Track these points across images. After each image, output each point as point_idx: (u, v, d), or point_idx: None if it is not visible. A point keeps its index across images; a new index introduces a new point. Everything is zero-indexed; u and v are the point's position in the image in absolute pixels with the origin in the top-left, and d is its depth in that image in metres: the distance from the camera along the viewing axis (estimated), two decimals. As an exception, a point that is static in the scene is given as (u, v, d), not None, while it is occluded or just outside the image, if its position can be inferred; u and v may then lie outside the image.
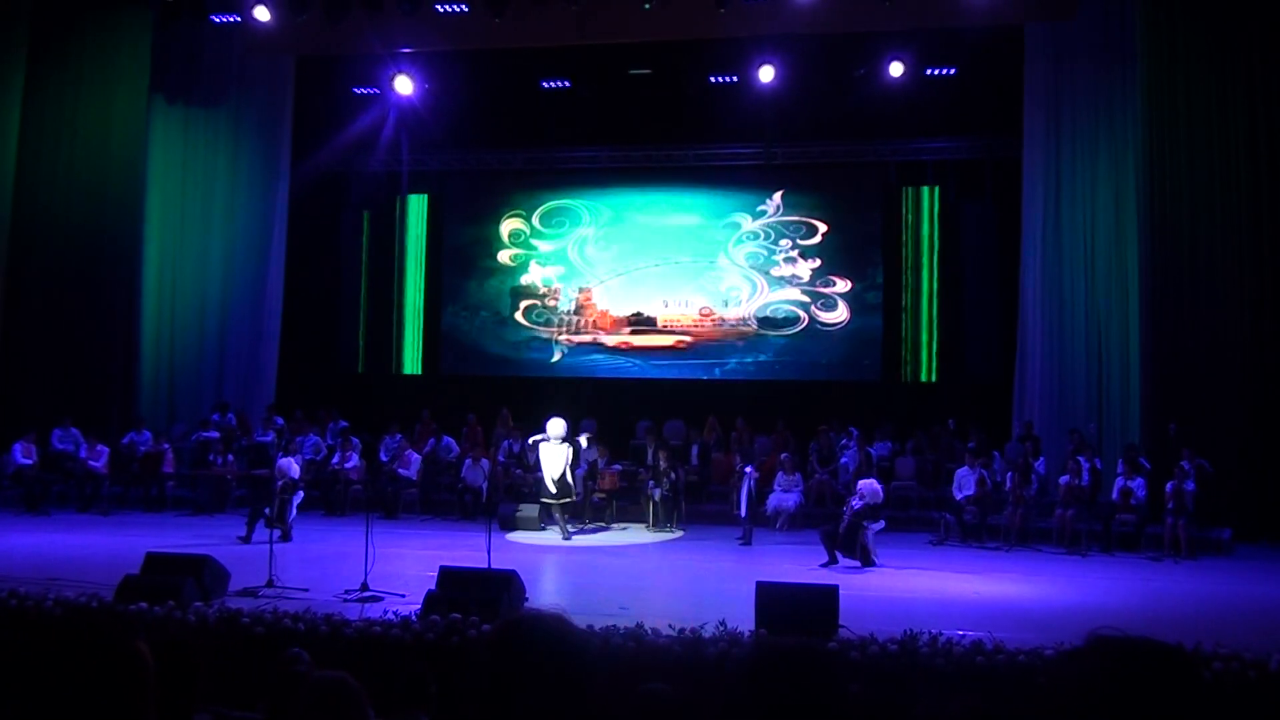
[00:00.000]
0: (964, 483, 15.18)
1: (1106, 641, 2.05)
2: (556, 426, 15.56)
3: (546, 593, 11.32)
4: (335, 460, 17.47)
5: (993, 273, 19.80)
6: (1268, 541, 14.59)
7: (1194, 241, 15.63)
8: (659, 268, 21.51)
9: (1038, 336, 17.34)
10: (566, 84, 20.17)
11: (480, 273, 22.26)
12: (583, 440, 16.51)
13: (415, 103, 19.92)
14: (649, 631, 8.17)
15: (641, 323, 21.45)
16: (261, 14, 17.40)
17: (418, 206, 22.75)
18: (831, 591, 8.96)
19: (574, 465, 15.75)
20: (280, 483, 14.17)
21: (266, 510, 13.68)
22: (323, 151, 20.77)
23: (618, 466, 17.04)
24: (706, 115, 19.99)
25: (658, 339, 21.37)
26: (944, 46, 17.97)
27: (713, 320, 21.24)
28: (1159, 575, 12.88)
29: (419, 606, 8.90)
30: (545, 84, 20.22)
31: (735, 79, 19.05)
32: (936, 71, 18.62)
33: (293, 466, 14.94)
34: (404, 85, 19.17)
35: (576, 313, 21.79)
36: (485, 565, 10.50)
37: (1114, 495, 14.60)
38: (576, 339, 21.75)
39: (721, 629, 8.21)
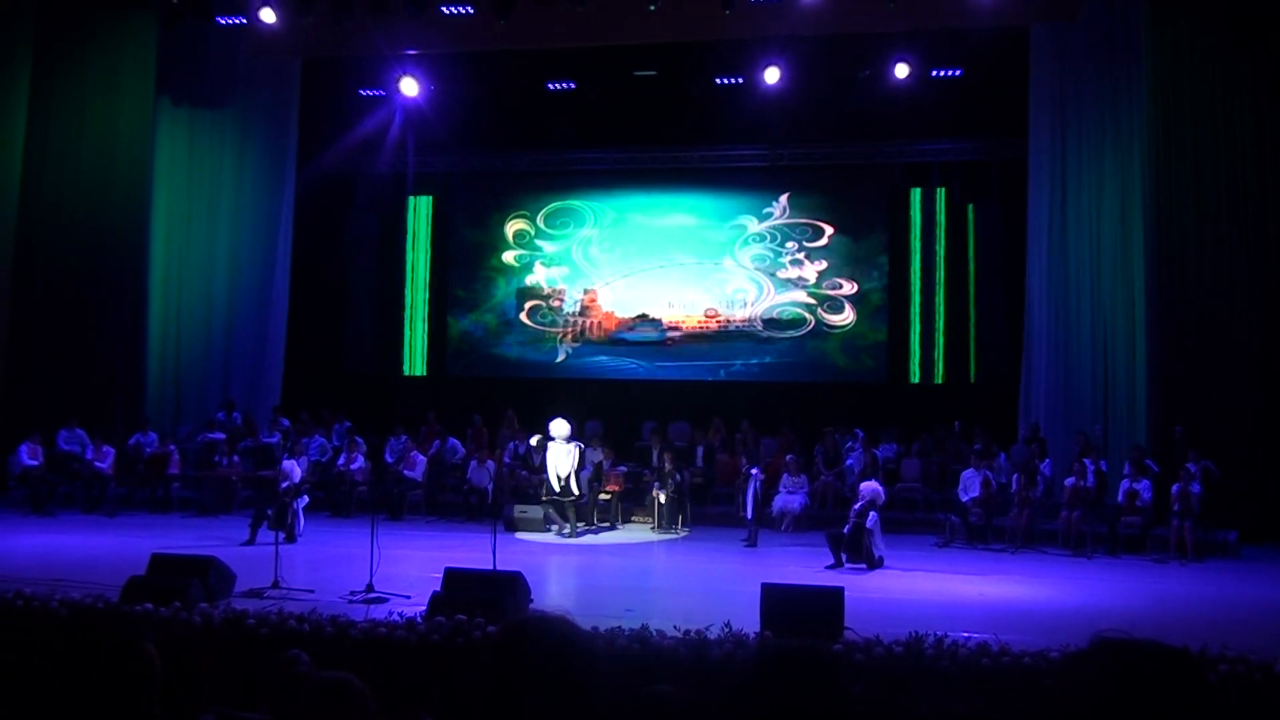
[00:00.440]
0: (969, 485, 15.17)
1: (1111, 644, 2.05)
2: (562, 427, 15.57)
3: (551, 594, 11.32)
4: (340, 462, 17.49)
5: (998, 274, 19.79)
6: (1273, 544, 14.55)
7: (1200, 243, 15.60)
8: (664, 269, 21.52)
9: (1043, 338, 17.31)
10: (572, 86, 20.17)
11: (485, 274, 22.29)
12: (568, 445, 16.38)
13: (421, 104, 19.92)
14: (654, 633, 8.16)
15: (647, 324, 21.46)
16: (267, 16, 17.42)
17: (423, 208, 22.79)
18: (837, 593, 8.95)
19: (580, 467, 15.75)
20: (284, 485, 14.15)
21: (269, 511, 13.68)
22: (328, 153, 20.80)
23: (623, 468, 17.06)
24: (712, 117, 19.99)
25: (662, 339, 21.39)
26: (949, 48, 17.96)
27: (718, 322, 21.25)
28: (1164, 578, 12.86)
29: (424, 608, 8.90)
30: (551, 86, 20.23)
31: (740, 81, 19.04)
32: (942, 73, 18.60)
33: (295, 469, 14.94)
34: (409, 87, 19.18)
35: (581, 314, 21.81)
36: (490, 566, 10.50)
37: (1119, 497, 14.57)
38: (581, 340, 21.77)
39: (727, 631, 8.21)
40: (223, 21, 18.50)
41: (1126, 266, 16.61)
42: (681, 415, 19.77)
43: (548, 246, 22.03)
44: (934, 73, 18.49)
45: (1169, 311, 15.61)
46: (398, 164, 21.77)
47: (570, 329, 21.83)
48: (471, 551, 12.23)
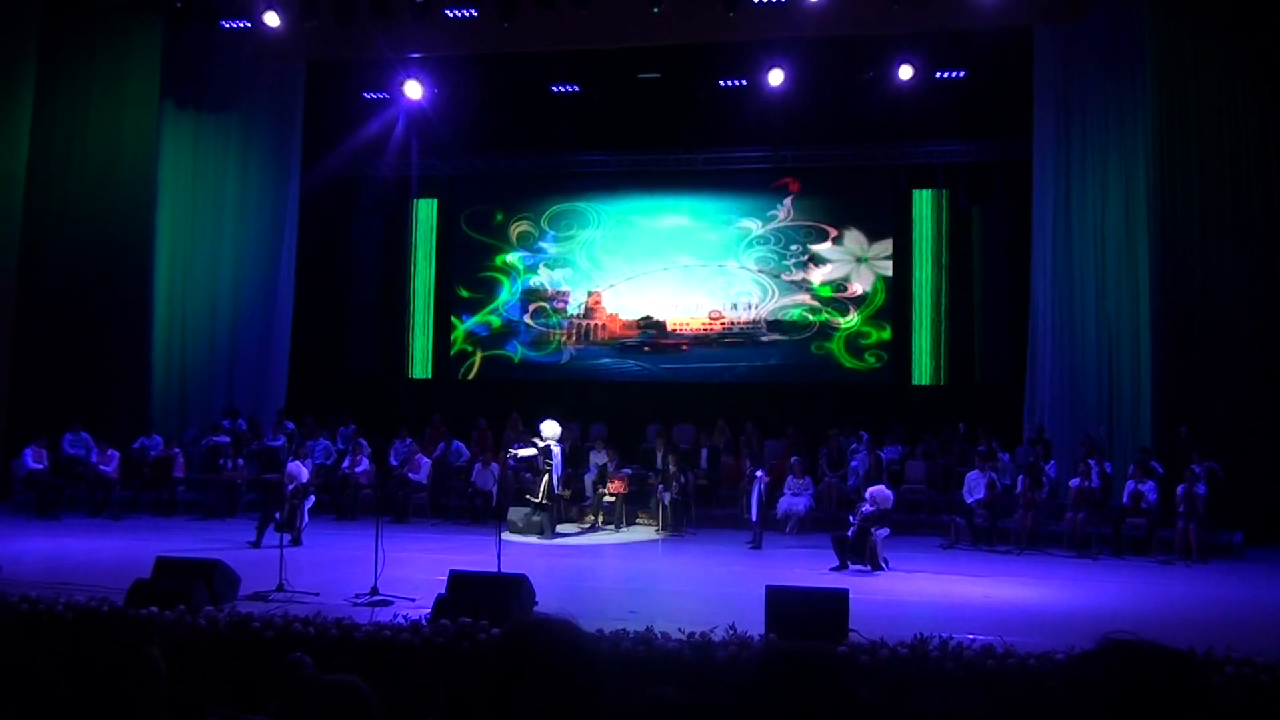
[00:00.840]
0: (974, 486, 15.16)
1: (1116, 646, 2.04)
2: (555, 428, 15.61)
3: (556, 597, 11.30)
4: (345, 464, 17.50)
5: (1003, 276, 19.80)
6: (1279, 545, 14.53)
7: (1204, 244, 15.59)
8: (667, 271, 21.53)
9: (1048, 339, 17.30)
10: (576, 88, 20.20)
11: (489, 277, 22.31)
12: (552, 448, 16.33)
13: (425, 107, 19.95)
14: (658, 635, 8.15)
15: (651, 326, 21.48)
16: (271, 19, 17.47)
17: (427, 210, 22.82)
18: (842, 595, 8.94)
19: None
20: (291, 487, 14.15)
21: (277, 515, 13.68)
22: (333, 156, 20.82)
23: (627, 470, 17.04)
24: (715, 119, 20.01)
25: (666, 342, 21.41)
26: (953, 49, 17.97)
27: (722, 324, 21.25)
28: (1170, 579, 12.84)
29: (429, 610, 8.90)
30: (554, 88, 20.27)
31: (744, 83, 19.06)
32: (946, 74, 18.62)
33: (302, 470, 14.95)
34: (414, 90, 19.22)
35: (585, 316, 21.82)
36: (495, 569, 10.50)
37: (1124, 499, 14.56)
38: (586, 343, 21.78)
39: (731, 633, 8.19)
40: (227, 25, 18.55)
41: (1131, 267, 16.60)
42: (686, 417, 19.77)
43: (552, 249, 22.05)
44: (938, 74, 18.52)
45: (1173, 312, 15.60)
46: (402, 167, 21.80)
47: (574, 331, 21.84)
48: (476, 554, 12.21)
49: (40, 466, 16.85)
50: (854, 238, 20.85)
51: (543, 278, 22.04)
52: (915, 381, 20.59)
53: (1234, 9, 15.56)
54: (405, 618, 8.74)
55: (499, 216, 22.35)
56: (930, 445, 17.79)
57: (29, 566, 11.59)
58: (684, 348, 21.38)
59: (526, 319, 22.05)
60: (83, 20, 18.60)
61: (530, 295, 22.07)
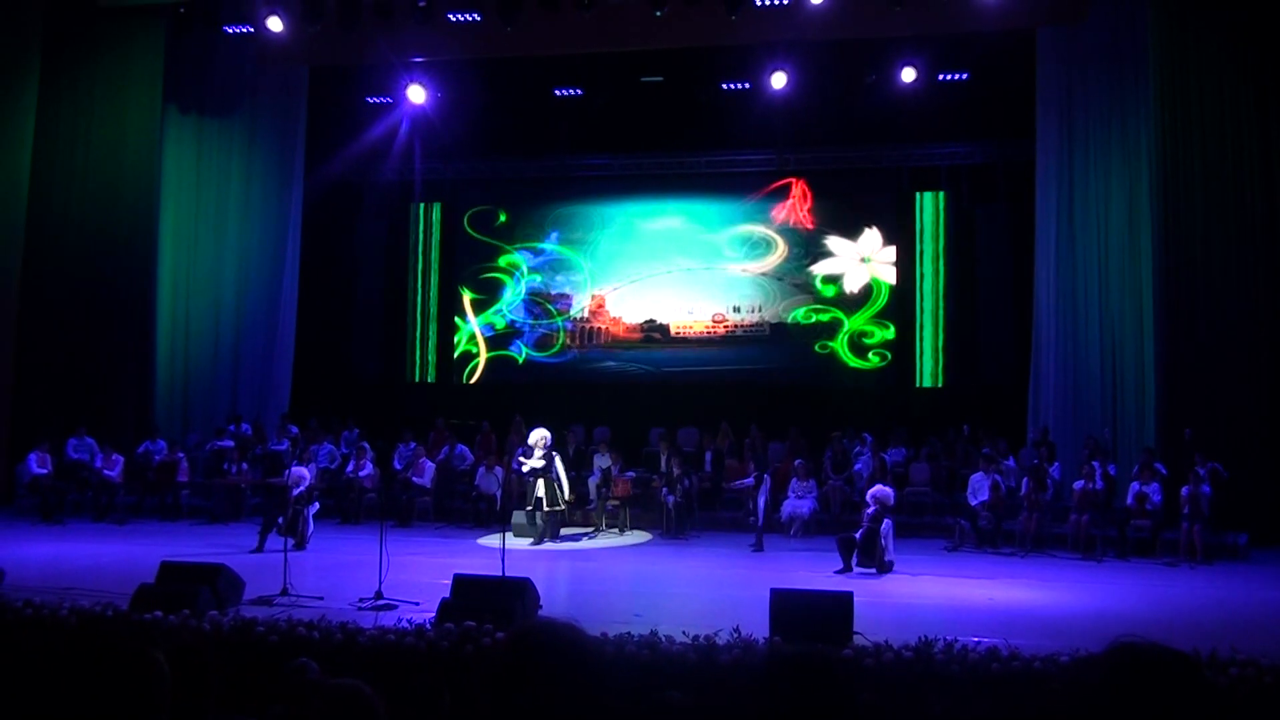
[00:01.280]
0: (978, 488, 15.15)
1: (1123, 648, 2.04)
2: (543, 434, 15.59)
3: (561, 600, 11.30)
4: (349, 468, 17.50)
5: (1006, 277, 19.79)
6: (1284, 547, 14.52)
7: (1208, 244, 15.57)
8: (671, 274, 21.53)
9: (1052, 341, 17.29)
10: (579, 92, 20.23)
11: (493, 280, 22.32)
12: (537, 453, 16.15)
13: (428, 111, 20.00)
14: (663, 639, 8.14)
15: (654, 329, 21.48)
16: (274, 24, 17.49)
17: (431, 214, 22.83)
18: (846, 598, 8.92)
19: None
20: (296, 491, 14.12)
21: (280, 519, 13.66)
22: (336, 160, 20.85)
23: (631, 473, 17.04)
24: (719, 122, 20.02)
25: (670, 345, 21.42)
26: (956, 51, 17.99)
27: (726, 326, 21.26)
28: (1174, 581, 12.82)
29: (433, 614, 8.89)
30: (558, 92, 20.30)
31: (747, 85, 19.09)
32: (949, 76, 18.64)
33: (305, 474, 14.88)
34: (417, 94, 19.26)
35: (589, 319, 21.83)
36: (499, 573, 10.49)
37: (1129, 500, 14.53)
38: (589, 346, 21.79)
39: (736, 636, 8.19)
40: (230, 30, 18.58)
41: (1134, 269, 16.58)
42: (689, 420, 19.77)
43: (555, 251, 22.05)
44: (941, 76, 18.54)
45: (1177, 313, 15.58)
46: (405, 171, 21.84)
47: (578, 334, 21.85)
48: (480, 558, 12.19)
49: (44, 471, 16.88)
50: (857, 240, 20.83)
51: (546, 281, 22.05)
52: (919, 384, 20.58)
53: (1236, 10, 15.54)
54: (410, 622, 8.74)
55: (502, 217, 22.37)
56: (934, 447, 17.76)
57: (33, 571, 11.59)
58: (688, 350, 21.37)
59: (530, 322, 22.06)
60: (86, 25, 18.62)
61: (533, 299, 22.09)
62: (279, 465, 17.01)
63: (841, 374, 20.74)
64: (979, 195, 20.22)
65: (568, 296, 21.96)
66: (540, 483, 15.07)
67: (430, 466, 17.43)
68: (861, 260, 20.82)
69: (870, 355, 20.68)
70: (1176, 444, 15.08)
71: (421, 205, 22.73)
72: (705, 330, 21.34)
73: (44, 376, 18.53)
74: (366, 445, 17.74)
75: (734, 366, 21.21)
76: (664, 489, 16.15)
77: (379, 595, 10.28)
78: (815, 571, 12.71)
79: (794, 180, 21.05)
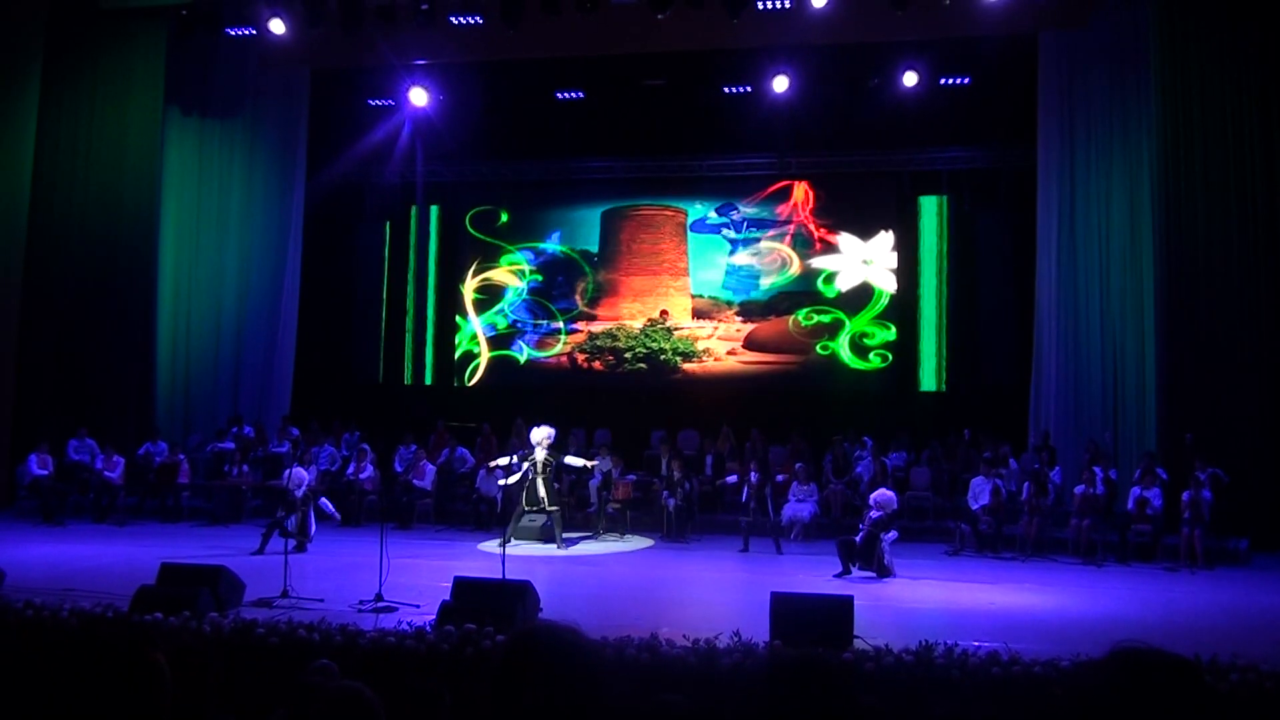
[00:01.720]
0: (979, 492, 15.14)
1: (1123, 653, 2.05)
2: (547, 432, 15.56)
3: (561, 603, 11.30)
4: (350, 471, 17.50)
5: (1008, 282, 19.80)
6: (1285, 551, 14.52)
7: (1209, 249, 15.56)
8: (672, 276, 21.54)
9: (1053, 345, 17.29)
10: (581, 95, 20.23)
11: (494, 283, 22.33)
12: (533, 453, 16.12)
13: (430, 114, 20.02)
14: (663, 642, 8.14)
15: (655, 331, 21.48)
16: (277, 27, 17.52)
17: (432, 217, 22.84)
18: (846, 602, 8.92)
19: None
20: (301, 492, 14.05)
21: (290, 523, 13.61)
22: (338, 163, 20.88)
23: (632, 476, 17.05)
24: (720, 126, 20.03)
25: (670, 348, 21.43)
26: (958, 56, 18.00)
27: (727, 329, 21.25)
28: (1175, 585, 12.82)
29: (433, 617, 8.89)
30: (559, 95, 20.30)
31: (749, 89, 19.11)
32: (950, 81, 18.64)
33: (304, 476, 14.83)
34: (419, 97, 19.28)
35: (590, 322, 21.84)
36: (500, 576, 10.50)
37: (1130, 505, 14.53)
38: (591, 349, 21.79)
39: (736, 640, 8.18)
40: (232, 32, 18.59)
41: (1136, 273, 16.58)
42: (691, 423, 19.78)
43: (557, 255, 22.06)
44: (943, 80, 18.54)
45: (1179, 318, 15.57)
46: (407, 173, 21.86)
47: (579, 337, 21.85)
48: (481, 560, 12.18)
49: (45, 472, 16.88)
50: (858, 244, 20.83)
51: (547, 284, 22.06)
52: (920, 388, 20.58)
53: (1239, 16, 15.53)
54: (410, 624, 8.73)
55: (504, 217, 22.38)
56: (935, 451, 17.77)
57: (34, 573, 11.59)
58: (689, 353, 21.37)
59: (531, 325, 22.07)
60: (88, 27, 18.63)
61: (535, 301, 22.08)
62: (280, 467, 17.02)
63: (843, 372, 20.73)
64: (980, 199, 20.21)
65: (569, 298, 21.96)
66: (540, 482, 15.04)
67: (431, 469, 17.42)
68: (864, 262, 20.81)
69: (871, 356, 20.68)
70: (1177, 449, 15.08)
71: (423, 208, 22.72)
72: (707, 333, 21.34)
73: (45, 377, 18.52)
74: (367, 447, 17.76)
75: (735, 368, 21.20)
76: (665, 492, 16.16)
77: (379, 598, 10.28)
78: (816, 575, 12.72)
79: (795, 183, 21.06)
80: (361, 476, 17.21)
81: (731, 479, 16.53)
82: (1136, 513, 14.38)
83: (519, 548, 14.51)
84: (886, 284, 20.68)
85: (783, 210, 21.10)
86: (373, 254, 23.03)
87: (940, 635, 8.29)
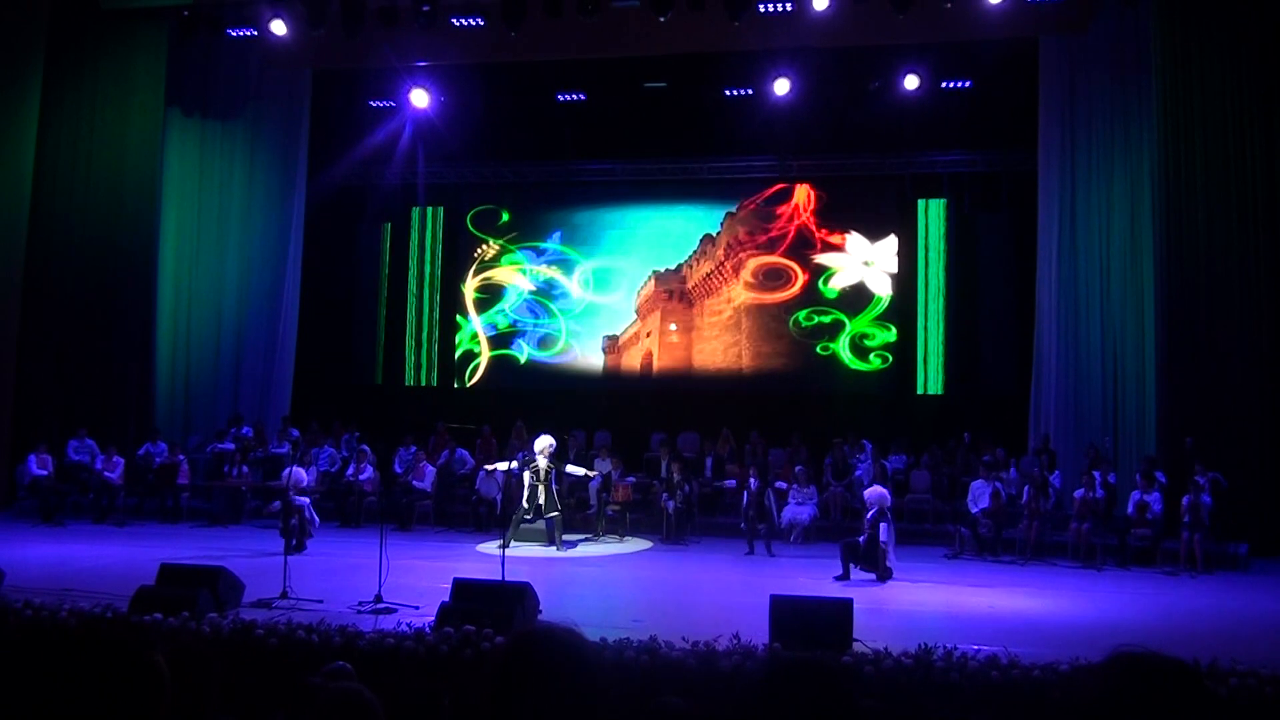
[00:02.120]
0: (979, 496, 15.13)
1: (1123, 658, 2.05)
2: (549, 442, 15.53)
3: (560, 605, 11.30)
4: (349, 472, 17.50)
5: (1008, 285, 19.81)
6: (1285, 556, 14.51)
7: (1210, 253, 15.55)
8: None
9: (1053, 349, 17.29)
10: (582, 97, 20.24)
11: (495, 285, 22.35)
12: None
13: (431, 115, 20.02)
14: (662, 644, 8.14)
15: (656, 333, 21.50)
16: (278, 28, 17.52)
17: (433, 218, 22.85)
18: (846, 605, 8.92)
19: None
20: (297, 497, 14.04)
21: (294, 521, 13.63)
22: (339, 164, 20.90)
23: (631, 479, 17.05)
24: (722, 128, 20.05)
25: (670, 350, 21.44)
26: (959, 59, 18.00)
27: (729, 331, 21.26)
28: (1175, 590, 12.81)
29: (433, 618, 8.89)
30: (561, 97, 20.30)
31: (750, 92, 19.11)
32: (951, 84, 18.64)
33: (302, 476, 14.78)
34: (420, 98, 19.28)
35: (591, 323, 21.85)
36: (499, 577, 10.49)
37: (1129, 509, 14.52)
38: (591, 350, 21.80)
39: (735, 642, 8.19)
40: (234, 33, 18.57)
41: (1136, 278, 16.58)
42: (690, 426, 19.78)
43: (558, 257, 22.07)
44: (944, 84, 18.54)
45: (1179, 322, 15.57)
46: (408, 175, 21.87)
47: (580, 338, 21.86)
48: (480, 562, 12.16)
49: (45, 473, 16.88)
50: (859, 247, 20.85)
51: (548, 285, 22.08)
52: (920, 391, 20.58)
53: (1240, 19, 15.54)
54: (409, 625, 8.74)
55: (505, 217, 22.40)
56: (935, 455, 17.76)
57: (33, 573, 11.58)
58: (689, 354, 21.38)
59: (531, 327, 22.08)
60: (89, 28, 18.63)
61: (535, 303, 22.10)
62: (280, 468, 17.01)
63: (843, 373, 20.73)
64: (981, 203, 20.22)
65: (570, 299, 21.97)
66: (540, 488, 15.02)
67: (431, 470, 17.42)
68: (864, 263, 20.82)
69: (871, 357, 20.69)
70: (1177, 453, 15.07)
71: (424, 209, 22.74)
72: (708, 335, 21.35)
73: (45, 378, 18.52)
74: (367, 448, 17.75)
75: (736, 370, 21.21)
76: (664, 494, 16.15)
77: (379, 599, 10.28)
78: (815, 578, 12.72)
79: (796, 185, 21.07)
80: (361, 478, 17.21)
81: (730, 483, 16.56)
82: (1136, 517, 14.37)
83: (518, 549, 14.50)
84: (887, 286, 20.68)
85: (783, 212, 21.11)
86: (373, 255, 23.05)
87: (939, 638, 8.29)
